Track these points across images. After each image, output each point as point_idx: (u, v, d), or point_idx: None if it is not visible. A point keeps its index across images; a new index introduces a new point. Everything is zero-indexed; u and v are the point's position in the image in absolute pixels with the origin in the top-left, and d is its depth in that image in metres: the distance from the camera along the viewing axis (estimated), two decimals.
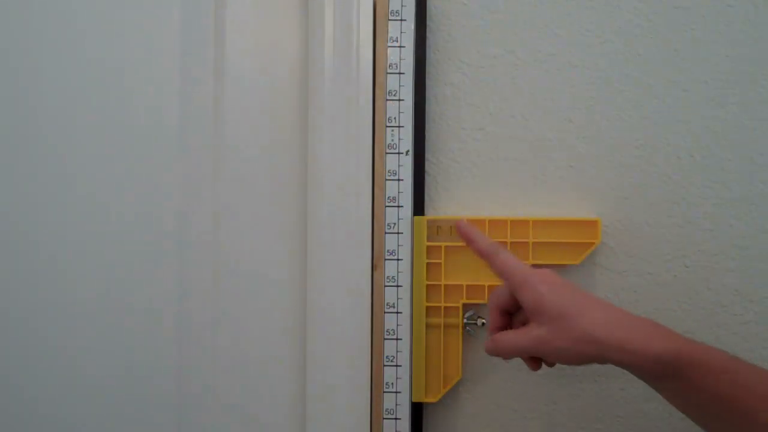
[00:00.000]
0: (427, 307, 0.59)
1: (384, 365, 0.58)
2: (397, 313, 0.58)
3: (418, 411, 0.59)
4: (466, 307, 0.59)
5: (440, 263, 0.59)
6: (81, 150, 0.55)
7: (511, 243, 0.58)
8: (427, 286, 0.59)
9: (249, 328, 0.58)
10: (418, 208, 0.59)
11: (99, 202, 0.56)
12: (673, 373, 0.44)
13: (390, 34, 0.58)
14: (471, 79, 0.61)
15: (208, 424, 0.56)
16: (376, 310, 0.58)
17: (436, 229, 0.59)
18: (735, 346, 0.60)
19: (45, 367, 0.55)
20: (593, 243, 0.58)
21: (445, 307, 0.59)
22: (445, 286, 0.59)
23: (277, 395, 0.58)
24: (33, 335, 0.55)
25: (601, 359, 0.46)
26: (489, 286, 0.58)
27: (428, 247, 0.59)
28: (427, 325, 0.59)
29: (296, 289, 0.58)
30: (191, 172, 0.56)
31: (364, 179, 0.57)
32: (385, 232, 0.58)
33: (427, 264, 0.59)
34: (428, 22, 0.59)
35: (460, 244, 0.57)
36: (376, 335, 0.58)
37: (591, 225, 0.59)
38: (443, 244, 0.59)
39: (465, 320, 0.59)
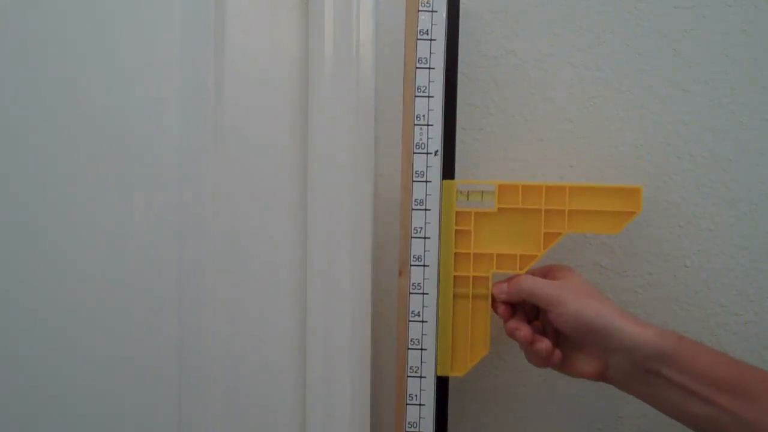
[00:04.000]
0: (455, 277, 0.55)
1: (408, 348, 0.55)
2: (423, 294, 0.55)
3: (443, 391, 0.56)
4: (496, 277, 0.55)
5: (469, 230, 0.55)
6: (79, 146, 0.55)
7: (546, 210, 0.55)
8: (455, 254, 0.55)
9: (248, 318, 0.57)
10: (448, 172, 0.55)
11: (98, 197, 0.55)
12: (662, 356, 0.49)
13: (420, 26, 0.55)
14: (471, 79, 0.61)
15: (208, 418, 0.56)
16: (400, 314, 0.55)
17: (466, 194, 0.56)
18: (735, 346, 0.60)
19: (43, 360, 0.55)
20: (634, 213, 0.54)
21: (474, 277, 0.55)
22: (474, 254, 0.55)
23: (277, 385, 0.58)
24: (32, 333, 0.55)
25: (602, 329, 0.50)
26: (521, 255, 0.55)
27: (457, 213, 0.55)
28: (455, 296, 0.55)
29: (297, 289, 0.57)
30: (191, 172, 0.56)
31: (366, 179, 0.57)
32: (411, 237, 0.55)
33: (456, 231, 0.55)
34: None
35: (492, 210, 0.55)
36: (400, 320, 0.55)
37: (632, 193, 0.54)
38: (473, 210, 0.55)
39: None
